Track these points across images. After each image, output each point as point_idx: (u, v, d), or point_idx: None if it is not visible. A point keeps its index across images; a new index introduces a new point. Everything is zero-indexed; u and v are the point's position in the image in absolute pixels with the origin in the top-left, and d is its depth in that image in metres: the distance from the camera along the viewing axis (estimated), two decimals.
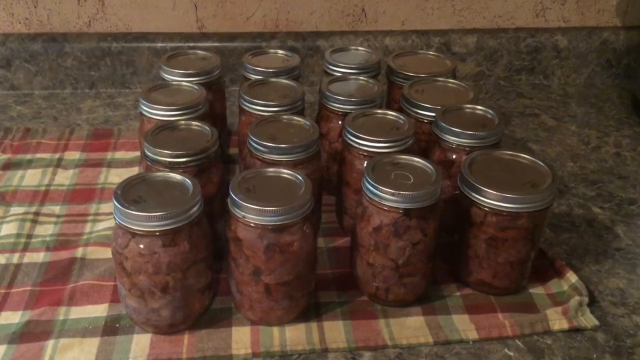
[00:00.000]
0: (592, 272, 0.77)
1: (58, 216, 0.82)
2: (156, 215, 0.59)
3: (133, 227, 0.59)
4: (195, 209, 0.62)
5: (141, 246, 0.60)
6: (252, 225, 0.61)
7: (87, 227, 0.81)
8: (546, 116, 1.13)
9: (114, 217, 0.61)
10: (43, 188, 0.88)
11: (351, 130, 0.74)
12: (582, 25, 1.23)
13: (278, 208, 0.60)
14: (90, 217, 0.82)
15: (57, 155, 0.94)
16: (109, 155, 0.95)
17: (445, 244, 0.73)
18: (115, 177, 0.90)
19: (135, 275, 0.61)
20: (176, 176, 0.65)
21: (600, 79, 1.26)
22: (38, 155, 0.94)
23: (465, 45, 1.19)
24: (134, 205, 0.60)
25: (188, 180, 0.64)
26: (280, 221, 0.61)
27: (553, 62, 1.23)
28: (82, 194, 0.87)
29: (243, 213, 0.61)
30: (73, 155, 0.95)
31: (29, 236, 0.78)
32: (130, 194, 0.62)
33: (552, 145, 1.03)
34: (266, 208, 0.60)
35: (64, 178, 0.90)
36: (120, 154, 0.95)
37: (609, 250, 0.81)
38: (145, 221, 0.59)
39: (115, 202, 0.60)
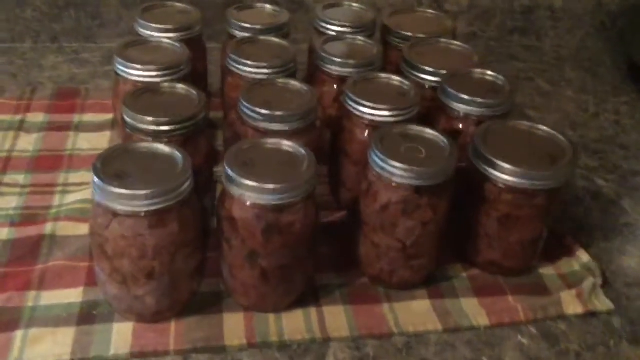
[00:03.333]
0: (601, 250, 0.73)
1: (23, 186, 0.74)
2: (143, 194, 0.52)
3: (116, 207, 0.52)
4: (186, 185, 0.55)
5: (125, 228, 0.53)
6: (249, 204, 0.55)
7: (56, 199, 0.73)
8: (541, 80, 1.08)
9: (94, 195, 0.54)
10: (4, 154, 0.79)
11: (352, 96, 0.67)
12: None
13: (279, 186, 0.54)
14: (59, 188, 0.74)
15: (18, 117, 0.85)
16: (76, 117, 0.86)
17: (450, 220, 0.67)
18: (85, 142, 0.82)
19: (117, 260, 0.54)
20: (164, 147, 0.57)
21: (593, 41, 1.21)
22: None
23: (458, 3, 1.13)
24: (117, 181, 0.52)
25: (177, 153, 0.57)
26: (281, 200, 0.55)
27: (547, 23, 1.17)
28: (48, 161, 0.78)
29: (240, 191, 0.55)
30: (36, 117, 0.86)
31: None
32: (112, 167, 0.54)
33: (550, 112, 0.99)
34: (266, 186, 0.54)
35: (27, 143, 0.81)
36: (89, 117, 0.87)
37: (617, 226, 0.77)
38: (130, 200, 0.52)
39: (94, 178, 0.53)
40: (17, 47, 1.02)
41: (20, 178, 0.75)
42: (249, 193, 0.54)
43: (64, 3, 1.01)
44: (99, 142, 0.82)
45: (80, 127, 0.85)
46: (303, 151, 0.58)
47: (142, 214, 0.53)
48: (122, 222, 0.53)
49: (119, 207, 0.52)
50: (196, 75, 0.81)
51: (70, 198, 0.73)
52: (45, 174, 0.76)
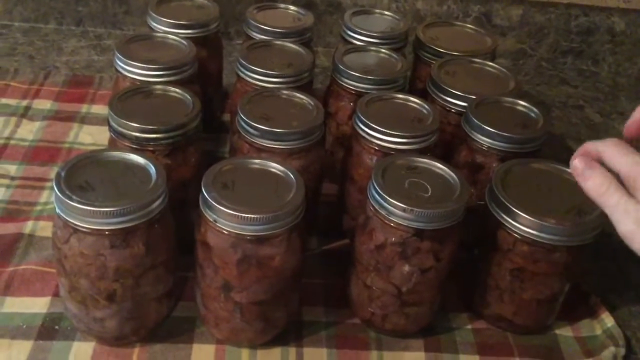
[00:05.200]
0: (631, 313, 0.65)
1: (12, 178, 0.70)
2: (104, 211, 0.47)
3: (74, 222, 0.47)
4: (156, 204, 0.49)
5: (84, 245, 0.48)
6: (224, 232, 0.49)
7: (44, 196, 0.69)
8: (591, 110, 0.98)
9: (54, 205, 0.49)
10: (2, 141, 0.75)
11: (363, 118, 0.60)
12: None
13: (259, 216, 0.48)
14: (50, 184, 0.70)
15: (24, 103, 0.82)
16: (84, 108, 0.82)
17: (461, 261, 0.60)
18: (87, 136, 0.78)
19: (74, 278, 0.50)
20: (137, 158, 0.52)
21: None
22: (3, 101, 0.82)
23: (509, 17, 1.04)
24: (78, 194, 0.48)
25: (152, 165, 0.52)
26: (260, 231, 0.49)
27: (605, 47, 1.07)
28: (45, 153, 0.74)
29: (215, 216, 0.49)
30: (43, 104, 0.82)
31: None
32: (77, 178, 0.49)
33: None
34: (244, 215, 0.48)
35: (28, 131, 0.77)
36: (97, 109, 0.83)
37: None
38: (90, 216, 0.47)
39: (55, 188, 0.48)
40: (40, 28, 0.99)
41: (13, 169, 0.72)
42: (225, 220, 0.49)
43: None
44: (101, 137, 0.77)
45: (86, 119, 0.81)
46: (292, 175, 0.52)
47: (105, 232, 0.48)
48: (81, 238, 0.48)
49: (78, 222, 0.47)
50: (209, 75, 0.76)
51: None
52: (39, 167, 0.72)
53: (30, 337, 0.54)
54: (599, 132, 0.93)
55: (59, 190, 0.48)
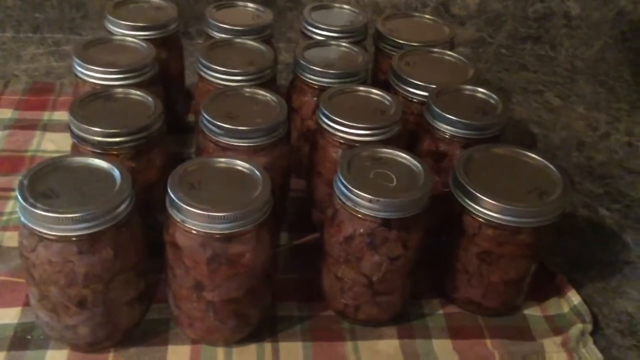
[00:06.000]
0: (596, 290, 0.66)
1: None
2: (70, 217, 0.47)
3: (40, 230, 0.47)
4: (122, 207, 0.49)
5: (51, 252, 0.48)
6: (193, 232, 0.49)
7: (9, 206, 0.68)
8: (551, 94, 1.00)
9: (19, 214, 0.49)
10: None
11: (326, 112, 0.61)
12: None
13: (226, 214, 0.48)
14: (14, 194, 0.69)
15: None
16: (45, 115, 0.82)
17: (430, 248, 0.60)
18: (50, 143, 0.77)
19: (44, 286, 0.49)
20: (101, 163, 0.52)
21: (612, 53, 1.13)
22: None
23: (466, 6, 1.06)
24: (43, 202, 0.47)
25: (116, 169, 0.51)
26: (229, 229, 0.49)
27: (562, 32, 1.10)
28: (8, 163, 0.74)
29: (182, 217, 0.49)
30: (4, 113, 0.81)
31: None
32: (41, 185, 0.49)
33: (557, 129, 0.91)
34: (212, 214, 0.48)
35: None
36: (59, 115, 0.82)
37: (616, 263, 0.70)
38: (56, 223, 0.47)
39: (18, 197, 0.48)
40: None
41: None
42: (193, 220, 0.49)
43: None
44: (65, 144, 0.76)
45: (48, 126, 0.80)
46: (258, 173, 0.53)
47: (72, 239, 0.48)
48: (48, 246, 0.48)
49: (44, 230, 0.47)
50: (171, 77, 0.76)
51: None
52: (2, 177, 0.72)
53: (3, 348, 0.54)
54: (559, 115, 0.95)
55: (22, 198, 0.47)
